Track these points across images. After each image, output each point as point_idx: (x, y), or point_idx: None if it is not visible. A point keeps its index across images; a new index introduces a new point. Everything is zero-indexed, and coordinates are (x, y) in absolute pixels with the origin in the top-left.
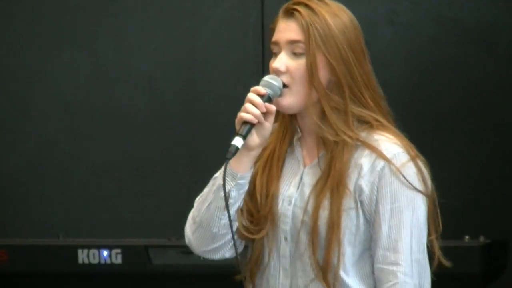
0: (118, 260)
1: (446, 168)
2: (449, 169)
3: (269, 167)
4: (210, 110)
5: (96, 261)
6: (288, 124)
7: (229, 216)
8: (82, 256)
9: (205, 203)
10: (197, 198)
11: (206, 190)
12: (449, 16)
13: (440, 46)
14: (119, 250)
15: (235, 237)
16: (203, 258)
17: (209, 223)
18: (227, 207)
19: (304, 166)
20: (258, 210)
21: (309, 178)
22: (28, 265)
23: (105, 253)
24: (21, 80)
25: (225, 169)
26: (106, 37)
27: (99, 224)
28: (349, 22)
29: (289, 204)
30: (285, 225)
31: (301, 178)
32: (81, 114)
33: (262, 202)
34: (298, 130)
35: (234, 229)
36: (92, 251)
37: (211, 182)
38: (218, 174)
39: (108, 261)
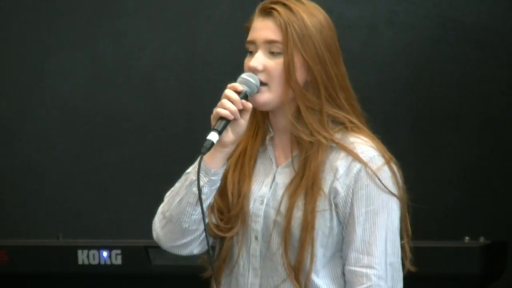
0: (118, 260)
1: (446, 168)
2: (449, 169)
3: (241, 165)
4: (210, 110)
5: (96, 261)
6: (260, 123)
7: (203, 211)
8: (82, 256)
9: (176, 198)
10: (168, 193)
11: (177, 185)
12: (449, 16)
13: (440, 46)
14: (119, 251)
15: (203, 234)
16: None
17: (180, 218)
18: (200, 202)
19: (277, 166)
20: (228, 209)
21: (282, 178)
22: (28, 265)
23: (105, 253)
24: (21, 80)
25: (199, 162)
26: (106, 37)
27: (99, 224)
28: (325, 22)
29: (261, 203)
30: (256, 225)
31: (274, 178)
32: (80, 114)
33: (233, 201)
34: (270, 129)
35: (202, 226)
36: (92, 251)
37: (183, 177)
38: (191, 169)
39: (108, 262)
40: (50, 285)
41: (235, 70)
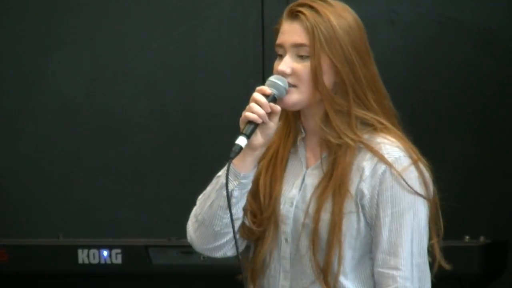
0: (118, 260)
1: (446, 168)
2: (449, 169)
3: (273, 167)
4: (210, 110)
5: (96, 261)
6: (292, 124)
7: (231, 215)
8: (82, 256)
9: (207, 201)
10: (200, 196)
11: (209, 188)
12: (449, 16)
13: (440, 46)
14: (119, 250)
15: (237, 236)
16: (204, 257)
17: (211, 221)
18: (229, 206)
19: (307, 167)
20: (261, 211)
21: (312, 179)
22: (28, 264)
23: (105, 253)
24: (21, 80)
25: (228, 168)
26: (106, 37)
27: (99, 224)
28: (353, 23)
29: (291, 206)
30: (286, 227)
31: (304, 179)
32: (81, 114)
33: (265, 203)
34: (302, 130)
35: (237, 228)
36: (92, 251)
37: (214, 181)
38: (221, 173)
39: (108, 261)
40: (50, 284)
41: (235, 70)
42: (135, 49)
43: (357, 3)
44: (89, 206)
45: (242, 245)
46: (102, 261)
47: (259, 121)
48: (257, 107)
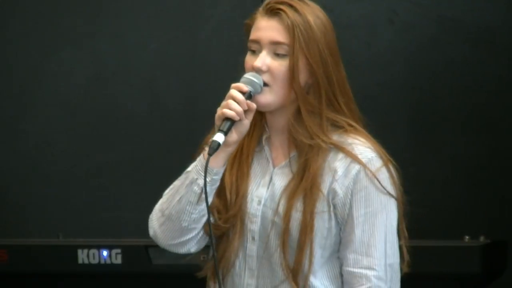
0: (118, 260)
1: (446, 168)
2: (449, 169)
3: (238, 164)
4: (210, 110)
5: (96, 261)
6: (257, 122)
7: (208, 211)
8: (82, 256)
9: (176, 196)
10: (167, 191)
11: (177, 183)
12: (449, 16)
13: (440, 46)
14: (119, 250)
15: (201, 233)
16: (204, 257)
17: (179, 216)
18: (206, 202)
19: (274, 167)
20: (226, 208)
21: (279, 178)
22: (28, 265)
23: (105, 253)
24: (21, 80)
25: (206, 164)
26: (106, 37)
27: (99, 224)
28: (327, 23)
29: (258, 204)
30: (253, 225)
31: (271, 178)
32: (81, 114)
33: (231, 200)
34: (267, 129)
35: (202, 225)
36: (92, 251)
37: (183, 176)
38: (191, 168)
39: (108, 261)
40: (50, 284)
41: (235, 70)
42: (135, 49)
43: (357, 3)
44: (89, 206)
45: (204, 242)
46: (102, 261)
47: (237, 118)
48: (235, 104)
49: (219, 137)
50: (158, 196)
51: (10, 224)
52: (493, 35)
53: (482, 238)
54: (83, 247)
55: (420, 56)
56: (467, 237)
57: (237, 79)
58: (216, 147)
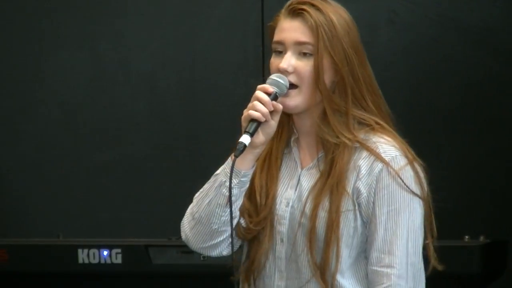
0: (118, 259)
1: (446, 168)
2: (449, 169)
3: (268, 167)
4: (210, 110)
5: (96, 260)
6: (284, 124)
7: (231, 213)
8: (82, 256)
9: (205, 199)
10: (197, 194)
11: (206, 186)
12: (449, 16)
13: (440, 46)
14: (119, 250)
15: (233, 234)
16: (204, 257)
17: (209, 219)
18: (230, 204)
19: (302, 168)
20: (257, 211)
21: (307, 180)
22: (28, 265)
23: (105, 252)
24: (21, 80)
25: (232, 166)
26: (106, 37)
27: (99, 224)
28: (351, 22)
29: (287, 206)
30: (282, 227)
31: (299, 180)
32: (81, 114)
33: (262, 203)
34: (295, 130)
35: (232, 227)
36: (92, 250)
37: (212, 179)
38: (220, 171)
39: (108, 261)
40: (51, 284)
41: (235, 70)
42: (135, 49)
43: (357, 3)
44: (89, 206)
45: (236, 245)
46: (102, 261)
47: (263, 119)
48: (260, 106)
49: (245, 139)
50: (158, 195)
51: (10, 224)
52: (493, 35)
53: (482, 238)
54: (83, 246)
55: (420, 56)
56: (467, 237)
57: (237, 79)
58: (242, 148)
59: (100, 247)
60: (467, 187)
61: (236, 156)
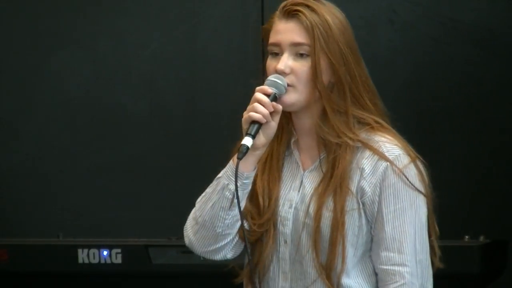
0: (118, 259)
1: (446, 168)
2: (449, 169)
3: (269, 168)
4: (210, 110)
5: (96, 260)
6: (283, 126)
7: (241, 214)
8: (82, 255)
9: (208, 203)
10: (199, 198)
11: (209, 190)
12: (449, 16)
13: (440, 46)
14: (119, 250)
15: (236, 238)
16: (203, 258)
17: (213, 223)
18: (238, 206)
19: (304, 170)
20: (260, 213)
21: (310, 181)
22: (29, 264)
23: (105, 252)
24: (21, 80)
25: (236, 168)
26: (106, 37)
27: (99, 224)
28: (345, 22)
29: (290, 207)
30: (285, 228)
31: (302, 181)
32: (81, 114)
33: (264, 205)
34: (294, 132)
35: (236, 230)
36: (92, 250)
37: (214, 182)
38: (222, 174)
39: (108, 261)
40: (51, 284)
41: (235, 69)
42: (135, 49)
43: (357, 3)
44: (89, 206)
45: (240, 248)
46: (102, 261)
47: (264, 121)
48: (261, 107)
49: (247, 141)
50: (158, 195)
51: (10, 224)
52: (493, 35)
53: (482, 238)
54: (83, 246)
55: (420, 56)
56: (467, 237)
57: (237, 79)
58: (245, 150)
59: (100, 247)
60: (467, 187)
61: (239, 159)
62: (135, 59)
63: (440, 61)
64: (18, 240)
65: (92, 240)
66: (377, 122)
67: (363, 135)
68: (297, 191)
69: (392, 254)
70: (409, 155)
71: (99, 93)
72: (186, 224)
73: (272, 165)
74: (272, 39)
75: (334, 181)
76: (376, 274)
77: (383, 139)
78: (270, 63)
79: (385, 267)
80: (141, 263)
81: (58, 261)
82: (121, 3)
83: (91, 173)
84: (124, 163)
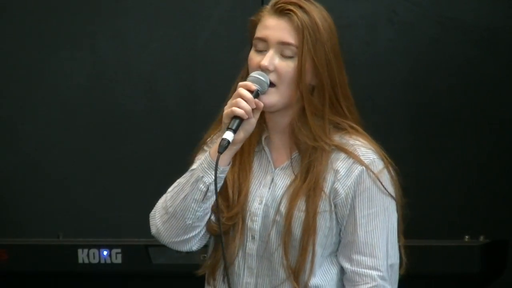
0: (118, 259)
1: (446, 168)
2: (449, 169)
3: (239, 162)
4: (210, 110)
5: (96, 260)
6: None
7: (218, 207)
8: (82, 255)
9: (181, 194)
10: (171, 188)
11: (182, 180)
12: (449, 16)
13: (440, 46)
14: (119, 250)
15: (203, 231)
16: (204, 256)
17: (184, 214)
18: (217, 200)
19: (275, 167)
20: (228, 206)
21: (281, 179)
22: (29, 264)
23: (105, 252)
24: (21, 80)
25: (217, 162)
26: (106, 37)
27: (99, 223)
28: (333, 27)
29: (260, 203)
30: (254, 224)
31: (272, 179)
32: (81, 114)
33: (234, 198)
34: (266, 129)
35: (205, 222)
36: (92, 250)
37: (188, 174)
38: (196, 166)
39: (108, 261)
40: (51, 283)
41: (235, 69)
42: (135, 49)
43: (357, 3)
44: (89, 206)
45: (204, 241)
46: (102, 261)
47: (246, 116)
48: (244, 103)
49: (228, 135)
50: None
51: (10, 223)
52: (493, 35)
53: (482, 238)
54: (83, 246)
55: (420, 56)
56: (467, 236)
57: (236, 80)
58: (226, 145)
59: (100, 247)
60: (467, 187)
61: (220, 153)
62: (135, 59)
63: (440, 61)
64: (18, 240)
65: (92, 240)
66: (352, 127)
67: (338, 138)
68: (267, 188)
69: (364, 258)
70: (382, 160)
71: (99, 93)
72: (153, 212)
73: (243, 159)
74: (260, 33)
75: (308, 184)
76: (341, 273)
77: (358, 142)
78: (254, 57)
79: (356, 269)
80: (141, 263)
81: (58, 261)
82: (121, 3)
83: (91, 173)
84: (124, 163)
